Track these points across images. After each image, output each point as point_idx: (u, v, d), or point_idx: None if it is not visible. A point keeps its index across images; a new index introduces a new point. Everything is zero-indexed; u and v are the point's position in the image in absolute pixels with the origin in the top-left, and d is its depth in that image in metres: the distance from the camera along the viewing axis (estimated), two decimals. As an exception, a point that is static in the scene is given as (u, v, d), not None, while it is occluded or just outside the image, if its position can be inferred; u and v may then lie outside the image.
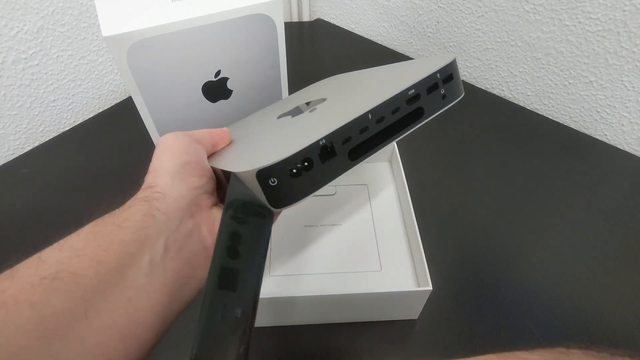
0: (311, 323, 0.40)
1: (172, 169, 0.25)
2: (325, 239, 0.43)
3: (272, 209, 0.23)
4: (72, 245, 0.20)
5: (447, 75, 0.28)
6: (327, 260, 0.41)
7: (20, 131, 0.61)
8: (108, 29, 0.37)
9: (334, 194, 0.47)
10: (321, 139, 0.23)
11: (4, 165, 0.56)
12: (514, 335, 0.39)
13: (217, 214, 0.26)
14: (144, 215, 0.22)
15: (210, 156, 0.29)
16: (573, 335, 0.39)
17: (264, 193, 0.23)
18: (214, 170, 0.28)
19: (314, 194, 0.23)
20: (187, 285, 0.23)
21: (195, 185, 0.25)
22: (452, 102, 0.28)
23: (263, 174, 0.22)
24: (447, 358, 0.37)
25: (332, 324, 0.40)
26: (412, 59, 0.75)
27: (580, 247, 0.46)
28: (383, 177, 0.49)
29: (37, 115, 0.62)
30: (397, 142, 0.49)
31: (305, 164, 0.23)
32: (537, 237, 0.47)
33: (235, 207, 0.23)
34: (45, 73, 0.60)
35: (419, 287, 0.38)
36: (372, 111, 0.25)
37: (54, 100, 0.63)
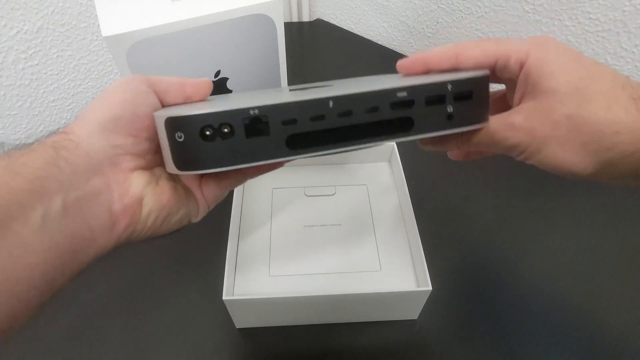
0: (311, 323, 0.40)
1: (97, 120, 0.22)
2: (325, 239, 0.43)
3: (174, 169, 0.20)
4: None
5: (464, 91, 0.22)
6: (327, 260, 0.41)
7: (19, 131, 0.61)
8: (108, 29, 0.37)
9: (333, 194, 0.47)
10: (253, 108, 0.19)
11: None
12: (514, 335, 0.39)
13: (136, 180, 0.23)
14: (46, 162, 0.19)
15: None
16: (573, 336, 0.39)
17: (170, 147, 0.20)
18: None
19: (229, 168, 0.20)
20: (83, 250, 0.20)
21: (117, 142, 0.22)
22: (461, 127, 0.22)
23: (172, 124, 0.20)
24: (447, 358, 0.37)
25: (332, 324, 0.40)
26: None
27: (580, 247, 0.46)
28: (383, 177, 0.49)
29: (36, 115, 0.62)
30: (396, 142, 0.49)
31: (225, 130, 0.19)
32: (536, 236, 0.47)
33: None
34: (45, 73, 0.60)
35: (419, 287, 0.38)
36: (335, 99, 0.20)
37: (54, 100, 0.63)
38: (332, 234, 0.44)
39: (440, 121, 0.22)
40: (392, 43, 0.79)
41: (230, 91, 0.48)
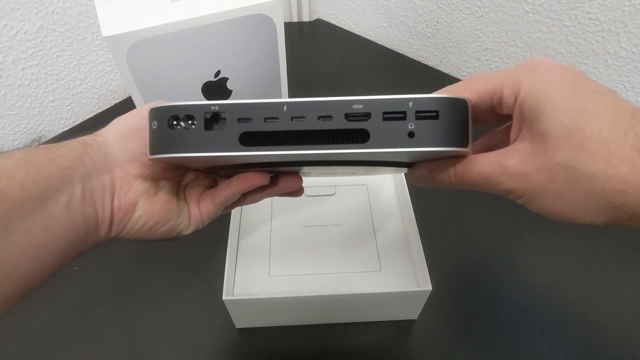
0: (311, 323, 0.40)
1: (121, 128, 0.26)
2: (325, 239, 0.43)
3: (148, 154, 0.24)
4: (3, 167, 0.21)
5: (430, 111, 0.21)
6: (326, 260, 0.41)
7: (19, 131, 0.61)
8: (108, 29, 0.37)
9: (333, 194, 0.47)
10: (215, 105, 0.22)
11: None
12: (514, 336, 0.39)
13: (136, 186, 0.26)
14: (74, 157, 0.24)
15: None
16: (572, 336, 0.39)
17: (149, 134, 0.23)
18: None
19: (186, 154, 0.22)
20: (91, 233, 0.24)
21: (131, 149, 0.26)
22: (426, 147, 0.21)
23: (151, 114, 0.23)
24: (447, 358, 0.37)
25: (332, 324, 0.40)
26: (411, 59, 0.76)
27: (579, 247, 0.46)
28: (383, 177, 0.49)
29: (36, 115, 0.62)
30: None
31: (189, 121, 0.22)
32: (536, 237, 0.47)
33: None
34: (45, 73, 0.60)
35: (419, 287, 0.38)
36: (290, 104, 0.21)
37: (54, 100, 0.63)
38: (332, 234, 0.44)
39: (400, 137, 0.21)
40: (392, 43, 0.79)
41: (230, 91, 0.48)
